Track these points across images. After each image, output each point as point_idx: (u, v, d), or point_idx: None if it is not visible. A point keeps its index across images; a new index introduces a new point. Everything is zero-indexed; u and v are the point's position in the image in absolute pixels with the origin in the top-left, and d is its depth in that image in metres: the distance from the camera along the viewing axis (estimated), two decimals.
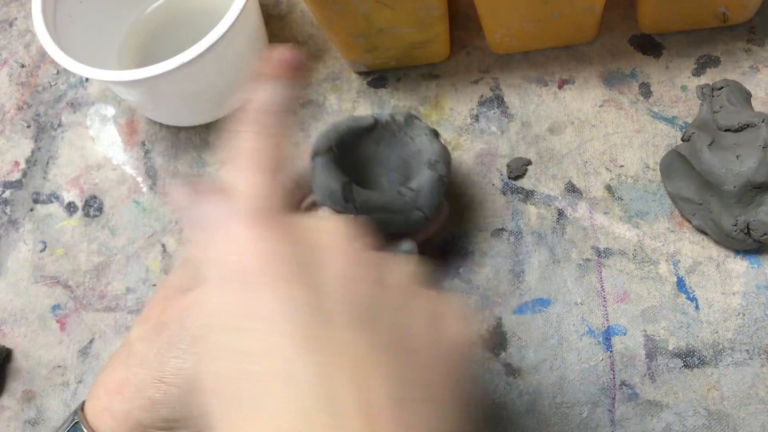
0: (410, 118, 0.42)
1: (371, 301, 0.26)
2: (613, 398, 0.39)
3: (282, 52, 0.32)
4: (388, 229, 0.37)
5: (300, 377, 0.23)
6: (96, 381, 0.34)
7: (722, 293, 0.41)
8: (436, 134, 0.42)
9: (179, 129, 0.51)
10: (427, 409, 0.24)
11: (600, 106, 0.46)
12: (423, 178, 0.39)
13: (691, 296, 0.41)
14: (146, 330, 0.33)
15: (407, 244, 0.39)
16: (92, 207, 0.49)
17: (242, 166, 0.29)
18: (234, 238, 0.27)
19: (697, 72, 0.46)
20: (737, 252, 0.41)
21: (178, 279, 0.35)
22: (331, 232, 0.28)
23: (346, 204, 0.37)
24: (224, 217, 0.28)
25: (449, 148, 0.47)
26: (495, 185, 0.45)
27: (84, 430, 0.33)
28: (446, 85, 0.49)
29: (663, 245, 0.42)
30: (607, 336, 0.41)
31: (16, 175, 0.51)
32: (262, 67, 0.32)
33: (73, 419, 0.34)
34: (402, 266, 0.29)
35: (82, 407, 0.34)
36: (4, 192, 0.51)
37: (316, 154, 0.38)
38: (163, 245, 0.47)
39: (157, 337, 0.33)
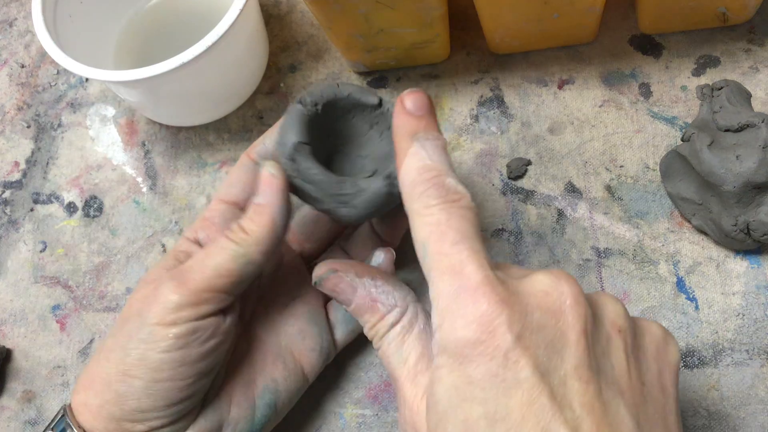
0: None
1: (603, 356, 0.27)
2: None
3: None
4: (315, 206, 0.36)
5: None
6: (78, 380, 0.35)
7: (722, 293, 0.41)
8: None
9: (179, 129, 0.51)
10: None
11: (600, 106, 0.46)
12: (373, 185, 0.35)
13: (691, 296, 0.41)
14: (114, 326, 0.35)
15: (379, 257, 0.38)
16: (92, 207, 0.49)
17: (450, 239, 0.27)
18: (473, 315, 0.25)
19: (697, 72, 0.46)
20: (737, 252, 0.41)
21: (152, 275, 0.35)
22: (552, 296, 0.27)
23: (289, 162, 0.35)
24: (456, 293, 0.26)
25: (449, 148, 0.47)
26: (495, 185, 0.45)
27: (69, 423, 0.34)
28: (446, 85, 0.49)
29: (663, 245, 0.42)
30: None
31: (16, 176, 0.51)
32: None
33: (62, 413, 0.35)
34: (612, 307, 0.28)
35: (71, 402, 0.35)
36: (4, 192, 0.51)
37: (300, 101, 0.36)
38: (163, 245, 0.47)
39: (119, 331, 0.33)
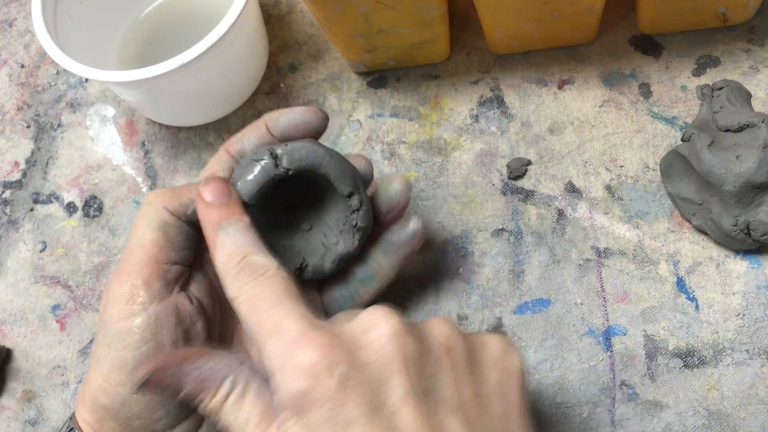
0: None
1: (433, 378, 0.28)
2: (613, 398, 0.39)
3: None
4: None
5: None
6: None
7: (722, 293, 0.41)
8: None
9: (179, 129, 0.51)
10: None
11: (600, 107, 0.46)
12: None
13: (691, 296, 0.41)
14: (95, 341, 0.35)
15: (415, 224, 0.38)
16: (92, 207, 0.49)
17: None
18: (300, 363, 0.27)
19: (697, 72, 0.46)
20: (737, 252, 0.41)
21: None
22: (373, 334, 0.28)
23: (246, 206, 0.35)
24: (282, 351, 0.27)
25: (449, 148, 0.47)
26: (495, 185, 0.45)
27: None
28: (446, 85, 0.49)
29: (663, 245, 0.42)
30: (607, 336, 0.41)
31: (16, 175, 0.51)
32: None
33: (69, 426, 0.35)
34: (440, 329, 0.29)
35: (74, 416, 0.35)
36: (4, 192, 0.51)
37: (274, 155, 0.35)
38: None
39: (95, 342, 0.34)
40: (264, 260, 0.30)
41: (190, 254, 0.35)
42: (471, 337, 0.30)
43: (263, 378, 0.30)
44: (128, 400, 0.32)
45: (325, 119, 0.38)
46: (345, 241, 0.38)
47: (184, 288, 0.35)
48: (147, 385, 0.30)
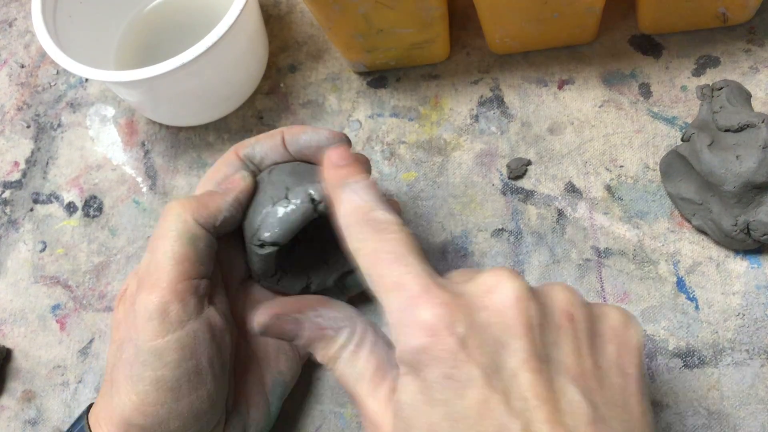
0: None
1: (553, 344, 0.27)
2: None
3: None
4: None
5: None
6: (93, 410, 0.35)
7: (722, 293, 0.41)
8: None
9: (179, 129, 0.51)
10: (623, 423, 0.27)
11: (600, 107, 0.46)
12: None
13: (691, 296, 0.41)
14: (112, 353, 0.34)
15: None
16: (92, 207, 0.49)
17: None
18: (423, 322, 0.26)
19: (697, 72, 0.46)
20: (737, 252, 0.41)
21: (126, 283, 0.35)
22: (495, 295, 0.27)
23: (256, 247, 0.35)
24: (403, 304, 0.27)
25: (449, 148, 0.47)
26: (495, 185, 0.45)
27: None
28: (446, 85, 0.49)
29: (663, 245, 0.42)
30: None
31: (16, 175, 0.51)
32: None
33: None
34: (562, 296, 0.29)
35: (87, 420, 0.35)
36: (4, 192, 0.51)
37: (314, 200, 0.35)
38: None
39: (120, 360, 0.33)
40: (388, 216, 0.30)
41: (213, 266, 0.35)
42: (592, 307, 0.30)
43: (379, 332, 0.30)
44: (166, 419, 0.32)
45: (349, 146, 0.38)
46: (344, 259, 0.38)
47: (211, 302, 0.34)
48: (269, 329, 0.31)
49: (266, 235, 0.35)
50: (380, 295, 0.28)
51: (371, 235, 0.29)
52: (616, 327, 0.29)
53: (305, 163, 0.38)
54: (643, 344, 0.30)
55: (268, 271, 0.36)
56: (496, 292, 0.27)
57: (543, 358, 0.26)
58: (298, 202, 0.35)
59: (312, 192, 0.35)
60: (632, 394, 0.28)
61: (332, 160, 0.33)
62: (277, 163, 0.38)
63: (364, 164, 0.35)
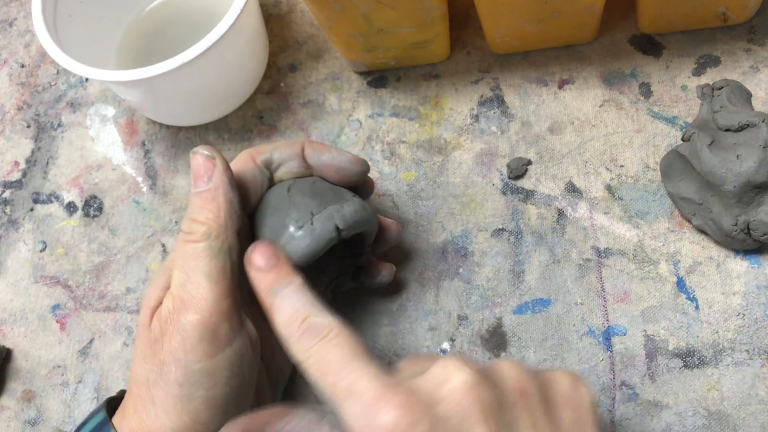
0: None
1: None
2: (613, 398, 0.39)
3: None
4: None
5: None
6: (120, 423, 0.34)
7: (722, 293, 0.41)
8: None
9: (179, 129, 0.51)
10: None
11: (600, 106, 0.46)
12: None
13: (691, 296, 0.41)
14: (151, 371, 0.33)
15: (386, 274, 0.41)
16: (92, 207, 0.49)
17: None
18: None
19: (697, 72, 0.46)
20: (737, 252, 0.41)
21: (153, 297, 0.34)
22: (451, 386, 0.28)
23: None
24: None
25: (449, 148, 0.47)
26: (495, 185, 0.45)
27: None
28: (446, 85, 0.49)
29: (663, 245, 0.42)
30: (607, 336, 0.41)
31: (16, 175, 0.51)
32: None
33: None
34: (510, 372, 0.29)
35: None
36: (4, 192, 0.51)
37: (338, 228, 0.35)
38: (163, 245, 0.47)
39: (164, 380, 0.33)
40: (325, 320, 0.30)
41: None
42: (539, 376, 0.30)
43: None
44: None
45: (367, 173, 0.39)
46: (346, 279, 0.40)
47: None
48: None
49: (289, 258, 0.34)
50: (335, 404, 0.28)
51: (313, 343, 0.29)
52: (566, 392, 0.30)
53: (323, 181, 0.38)
54: (596, 401, 0.31)
55: None
56: (448, 383, 0.27)
57: None
58: (325, 231, 0.35)
59: (338, 223, 0.35)
60: None
61: (256, 263, 0.32)
62: (295, 177, 0.38)
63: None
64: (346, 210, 0.36)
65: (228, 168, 0.34)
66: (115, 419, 0.34)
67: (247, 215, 0.37)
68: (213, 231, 0.33)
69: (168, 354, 0.32)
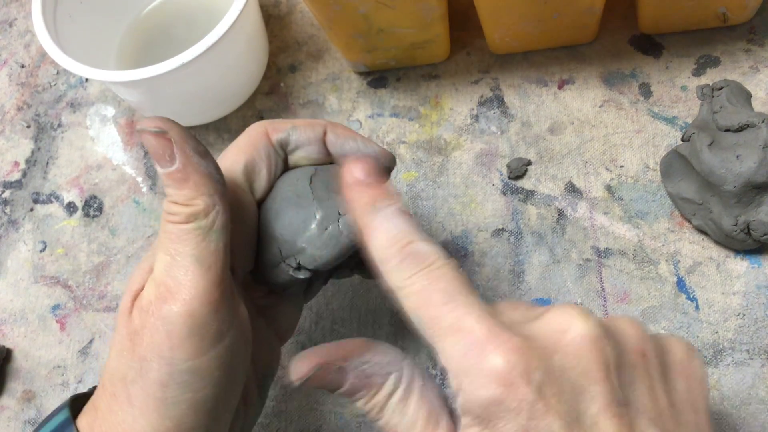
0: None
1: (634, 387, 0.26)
2: None
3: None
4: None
5: None
6: (85, 423, 0.30)
7: (722, 293, 0.41)
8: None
9: None
10: None
11: (600, 106, 0.46)
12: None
13: (691, 296, 0.41)
14: (129, 367, 0.29)
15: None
16: (92, 207, 0.49)
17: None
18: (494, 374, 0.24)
19: (697, 72, 0.46)
20: (737, 252, 0.41)
21: (137, 280, 0.30)
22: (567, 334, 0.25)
23: (289, 268, 0.31)
24: (465, 352, 0.24)
25: (449, 148, 0.47)
26: (495, 185, 0.45)
27: None
28: (446, 85, 0.49)
29: (663, 245, 0.42)
30: None
31: (16, 175, 0.51)
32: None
33: None
34: (632, 331, 0.27)
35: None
36: (4, 192, 0.51)
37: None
38: None
39: (145, 379, 0.29)
40: (431, 248, 0.27)
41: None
42: (658, 340, 0.28)
43: (427, 375, 0.28)
44: None
45: (393, 166, 0.35)
46: (344, 270, 0.37)
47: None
48: (311, 381, 0.28)
49: (310, 260, 0.31)
50: (435, 340, 0.25)
51: (415, 271, 0.26)
52: (682, 360, 0.28)
53: None
54: (707, 376, 0.29)
55: (287, 286, 0.33)
56: (569, 332, 0.25)
57: (622, 402, 0.25)
58: (351, 240, 0.31)
59: None
60: (704, 429, 0.27)
61: (356, 175, 0.28)
62: (316, 164, 0.34)
63: (387, 177, 0.31)
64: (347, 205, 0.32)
65: (188, 137, 0.29)
66: (83, 419, 0.30)
67: (256, 201, 0.33)
68: (200, 211, 0.29)
69: (150, 350, 0.28)
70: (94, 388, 0.32)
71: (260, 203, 0.33)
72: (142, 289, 0.30)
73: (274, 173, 0.33)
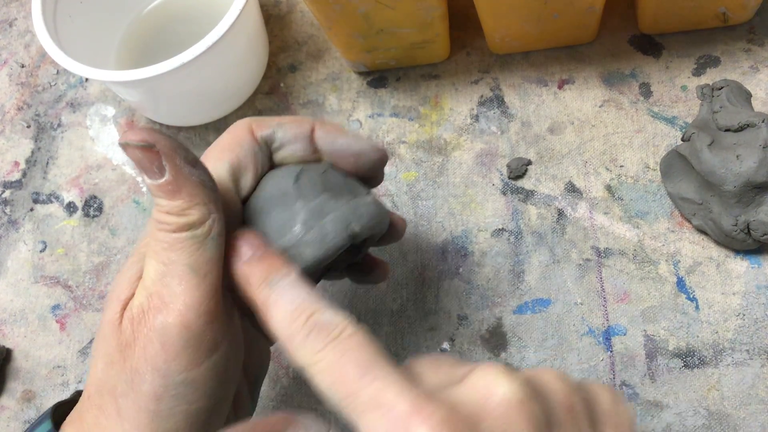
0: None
1: None
2: None
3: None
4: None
5: None
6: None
7: (722, 293, 0.41)
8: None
9: (179, 129, 0.51)
10: None
11: (600, 106, 0.46)
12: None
13: (691, 296, 0.41)
14: (119, 379, 0.28)
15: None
16: (92, 207, 0.49)
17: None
18: None
19: (697, 72, 0.46)
20: (737, 252, 0.41)
21: (126, 287, 0.29)
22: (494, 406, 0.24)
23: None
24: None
25: (449, 148, 0.47)
26: (495, 185, 0.45)
27: None
28: (446, 85, 0.49)
29: (663, 245, 0.42)
30: (607, 336, 0.41)
31: (16, 175, 0.51)
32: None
33: None
34: (558, 386, 0.26)
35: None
36: (4, 192, 0.51)
37: (352, 233, 0.30)
38: None
39: (137, 391, 0.28)
40: (338, 316, 0.25)
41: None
42: (583, 391, 0.27)
43: None
44: None
45: (386, 162, 0.34)
46: (334, 273, 0.37)
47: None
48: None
49: (295, 261, 0.30)
50: (355, 418, 0.24)
51: (324, 344, 0.25)
52: (608, 409, 0.27)
53: (336, 171, 0.33)
54: (635, 422, 0.29)
55: None
56: (495, 396, 0.24)
57: None
58: (338, 235, 0.30)
59: (353, 225, 0.30)
60: None
61: (242, 255, 0.28)
62: (303, 162, 0.33)
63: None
64: (363, 210, 0.31)
65: (176, 147, 0.27)
66: (68, 431, 0.29)
67: (242, 199, 0.32)
68: (195, 221, 0.27)
69: (143, 362, 0.27)
70: (77, 394, 0.31)
71: (245, 201, 0.32)
72: (130, 297, 0.28)
73: (260, 171, 0.32)
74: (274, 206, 0.31)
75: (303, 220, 0.30)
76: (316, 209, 0.30)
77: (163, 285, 0.27)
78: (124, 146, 0.27)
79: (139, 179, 0.50)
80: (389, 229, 0.36)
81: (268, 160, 0.32)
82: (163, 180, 0.27)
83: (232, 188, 0.31)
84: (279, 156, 0.32)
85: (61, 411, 0.31)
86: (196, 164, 0.28)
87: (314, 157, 0.33)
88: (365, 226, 0.31)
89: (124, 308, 0.28)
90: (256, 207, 0.31)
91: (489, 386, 0.24)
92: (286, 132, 0.32)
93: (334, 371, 0.24)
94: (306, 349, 0.25)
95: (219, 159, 0.31)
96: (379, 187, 0.46)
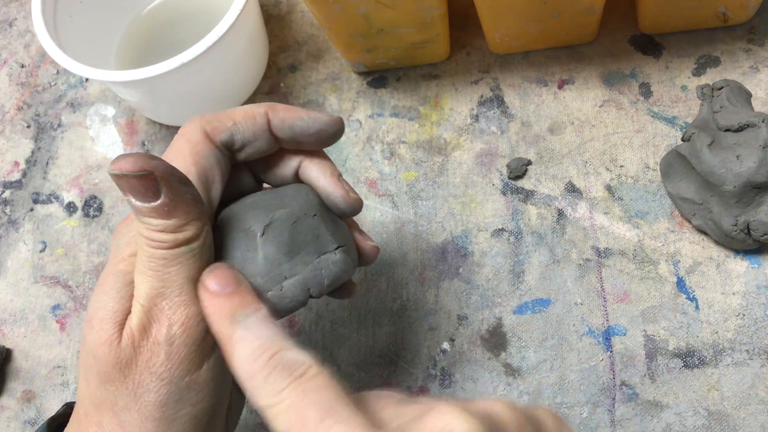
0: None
1: None
2: (613, 398, 0.39)
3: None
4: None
5: None
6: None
7: (722, 293, 0.41)
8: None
9: (179, 129, 0.51)
10: None
11: (600, 106, 0.46)
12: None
13: (691, 296, 0.41)
14: (119, 396, 0.28)
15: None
16: (92, 207, 0.49)
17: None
18: None
19: (697, 72, 0.46)
20: (737, 252, 0.41)
21: (119, 309, 0.29)
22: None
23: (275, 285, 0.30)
24: None
25: (449, 148, 0.47)
26: (495, 185, 0.45)
27: None
28: (446, 85, 0.49)
29: (663, 245, 0.42)
30: (607, 336, 0.41)
31: (16, 175, 0.51)
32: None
33: None
34: (508, 415, 0.26)
35: None
36: (4, 192, 0.51)
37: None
38: None
39: (141, 403, 0.28)
40: (302, 356, 0.25)
41: None
42: (531, 418, 0.27)
43: None
44: None
45: (342, 132, 0.34)
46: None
47: None
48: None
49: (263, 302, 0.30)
50: None
51: (286, 384, 0.24)
52: (554, 430, 0.27)
53: (308, 220, 0.31)
54: None
55: None
56: None
57: None
58: (295, 299, 0.30)
59: (312, 290, 0.31)
60: None
61: (210, 287, 0.28)
62: (267, 155, 0.33)
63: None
64: (325, 273, 0.31)
65: (172, 169, 0.27)
66: None
67: (213, 212, 0.32)
68: (191, 237, 0.28)
69: (147, 375, 0.28)
70: (67, 407, 0.32)
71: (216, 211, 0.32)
72: (124, 317, 0.29)
73: (226, 176, 0.32)
74: (236, 251, 0.30)
75: (263, 281, 0.30)
76: (277, 272, 0.30)
77: (163, 298, 0.28)
78: (118, 177, 0.27)
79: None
80: (359, 257, 0.35)
81: (230, 162, 0.32)
82: (158, 202, 0.27)
83: (205, 200, 0.31)
84: (243, 155, 0.32)
85: (54, 426, 0.31)
86: (187, 182, 0.28)
87: (277, 146, 0.33)
88: (324, 288, 0.31)
89: (120, 328, 0.28)
90: (221, 239, 0.31)
91: (446, 427, 0.23)
92: (244, 132, 0.31)
93: (295, 413, 0.24)
94: (267, 389, 0.24)
95: (187, 172, 0.30)
96: (379, 187, 0.46)
